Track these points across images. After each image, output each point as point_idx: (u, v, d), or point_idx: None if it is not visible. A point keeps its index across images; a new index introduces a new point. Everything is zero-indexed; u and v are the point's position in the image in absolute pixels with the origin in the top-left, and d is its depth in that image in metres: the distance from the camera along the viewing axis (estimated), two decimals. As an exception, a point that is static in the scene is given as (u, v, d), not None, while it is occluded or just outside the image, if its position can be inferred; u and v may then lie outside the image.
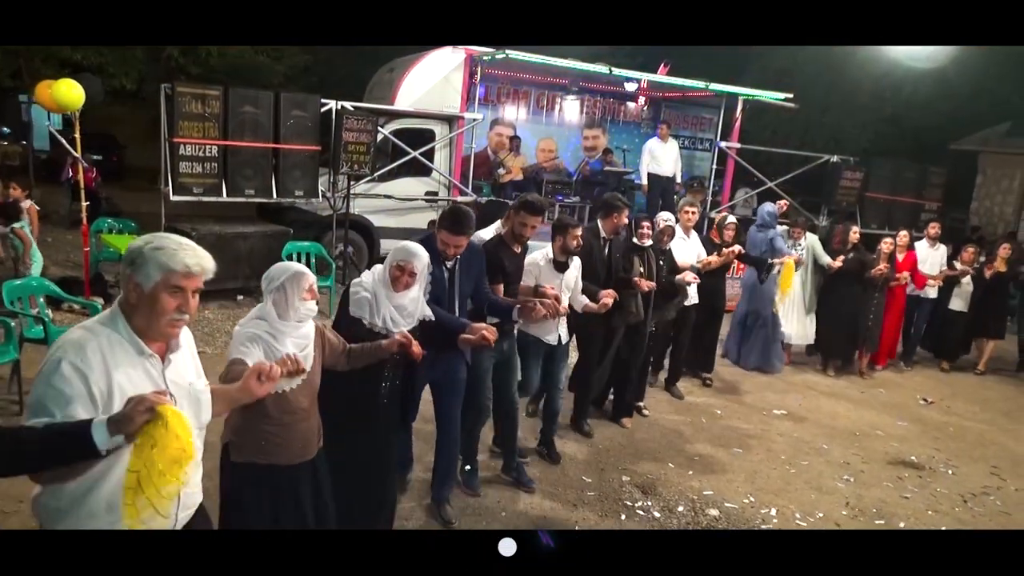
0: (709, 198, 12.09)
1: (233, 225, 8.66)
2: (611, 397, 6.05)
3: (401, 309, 3.36)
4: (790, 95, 11.85)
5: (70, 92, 6.65)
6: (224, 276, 8.22)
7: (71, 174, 12.88)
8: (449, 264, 3.92)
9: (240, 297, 8.42)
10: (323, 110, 8.82)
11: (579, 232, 4.73)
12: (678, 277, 5.98)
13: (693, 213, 6.54)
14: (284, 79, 16.21)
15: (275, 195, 8.57)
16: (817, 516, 4.77)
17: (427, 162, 9.92)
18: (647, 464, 5.27)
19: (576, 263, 4.88)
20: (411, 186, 9.98)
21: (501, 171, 11.20)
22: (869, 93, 17.52)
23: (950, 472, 5.72)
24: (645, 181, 10.67)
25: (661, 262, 5.85)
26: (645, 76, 10.91)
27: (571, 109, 12.43)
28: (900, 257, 7.90)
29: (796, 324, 7.88)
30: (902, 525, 4.77)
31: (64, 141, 7.61)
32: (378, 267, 3.47)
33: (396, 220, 9.92)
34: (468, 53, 9.92)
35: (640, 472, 5.12)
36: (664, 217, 5.97)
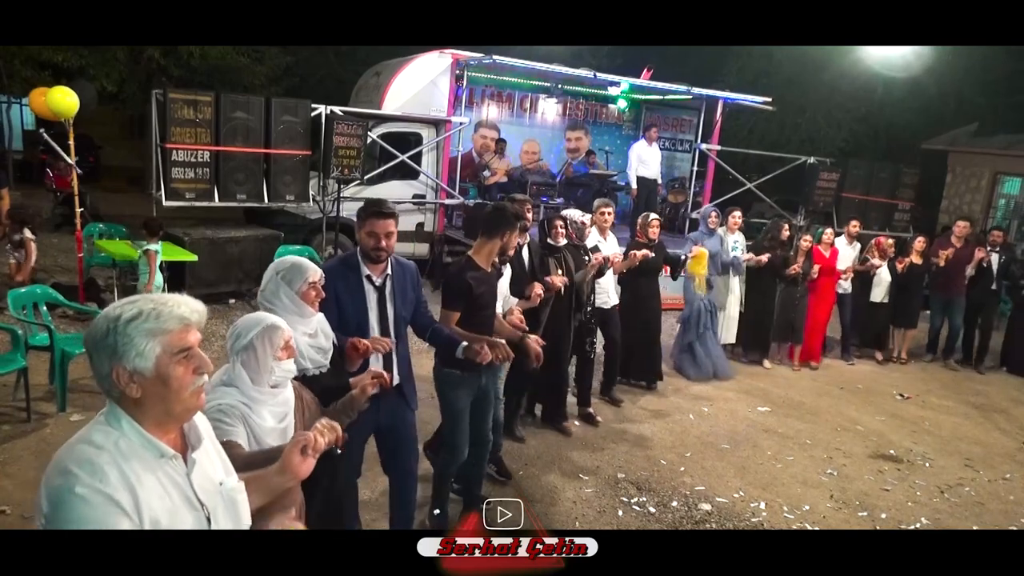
0: (690, 199, 12.36)
1: (225, 229, 8.73)
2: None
3: (316, 335, 2.89)
4: (768, 99, 12.14)
5: (64, 99, 6.70)
6: (217, 280, 8.32)
7: (52, 178, 12.84)
8: (377, 280, 3.36)
9: (232, 301, 8.50)
10: (313, 115, 8.91)
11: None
12: (590, 260, 5.76)
13: (609, 214, 6.38)
14: (265, 80, 16.17)
15: (266, 200, 8.66)
16: (804, 509, 5.00)
17: (415, 165, 10.05)
18: (641, 461, 5.46)
19: (507, 268, 4.65)
20: (399, 189, 10.09)
21: (486, 173, 11.35)
22: (844, 94, 17.91)
23: (927, 465, 5.99)
24: (635, 184, 10.86)
25: (586, 258, 5.74)
26: (628, 80, 11.11)
27: (554, 111, 12.63)
28: (827, 254, 8.16)
29: (731, 322, 7.87)
30: (884, 516, 5.01)
31: (52, 142, 7.65)
32: (263, 307, 2.82)
33: (384, 223, 10.00)
34: (455, 57, 10.05)
35: (634, 469, 5.32)
36: (576, 215, 5.82)
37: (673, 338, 7.90)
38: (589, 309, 5.92)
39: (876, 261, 8.47)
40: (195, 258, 7.75)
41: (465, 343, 3.57)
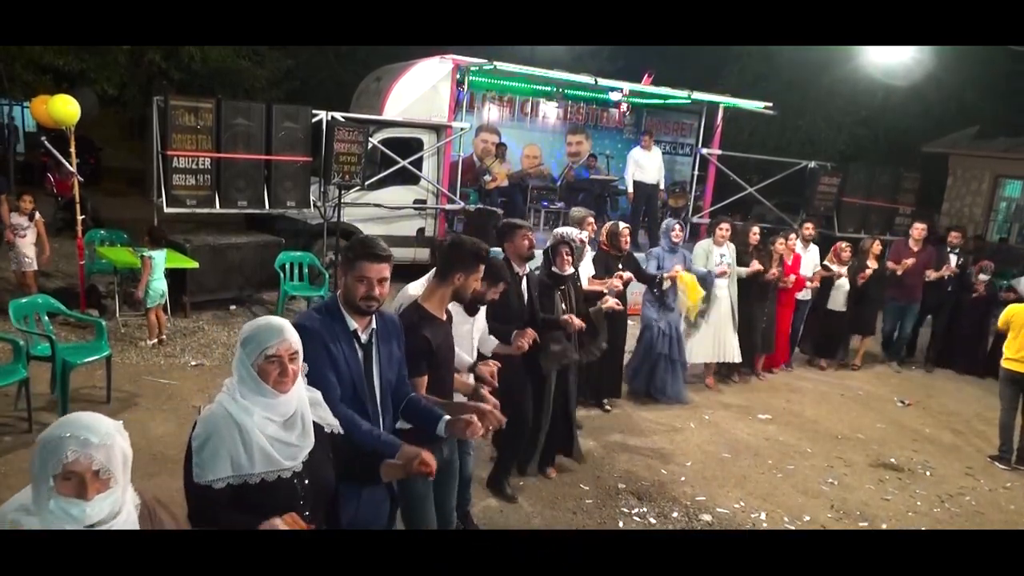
0: (691, 204, 12.37)
1: (226, 236, 8.75)
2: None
3: (291, 425, 2.19)
4: (769, 104, 12.14)
5: (66, 108, 6.72)
6: (218, 287, 8.33)
7: (54, 183, 12.86)
8: (364, 336, 2.75)
9: (233, 307, 8.51)
10: (313, 121, 8.92)
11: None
12: (602, 305, 5.36)
13: (591, 225, 5.98)
14: (266, 83, 16.17)
15: (267, 206, 8.66)
16: (804, 519, 5.00)
17: (415, 171, 10.05)
18: (641, 471, 5.46)
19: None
20: (400, 194, 10.11)
21: (487, 178, 11.36)
22: (845, 97, 17.91)
23: (928, 473, 5.99)
24: (631, 189, 10.88)
25: (577, 283, 5.23)
26: (629, 86, 11.11)
27: (555, 115, 12.64)
28: (789, 260, 7.86)
29: (714, 341, 7.24)
30: (884, 527, 5.01)
31: (53, 149, 7.68)
32: (228, 386, 2.20)
33: (385, 228, 10.02)
34: (455, 63, 10.06)
35: (635, 479, 5.32)
36: (574, 233, 5.20)
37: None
38: (605, 346, 5.44)
39: (837, 268, 8.29)
40: (196, 265, 7.76)
41: (447, 417, 2.80)
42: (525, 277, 4.59)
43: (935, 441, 6.73)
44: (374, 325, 2.78)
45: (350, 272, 2.68)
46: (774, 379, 8.05)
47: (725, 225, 7.29)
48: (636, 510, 4.90)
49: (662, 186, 11.42)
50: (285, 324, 2.22)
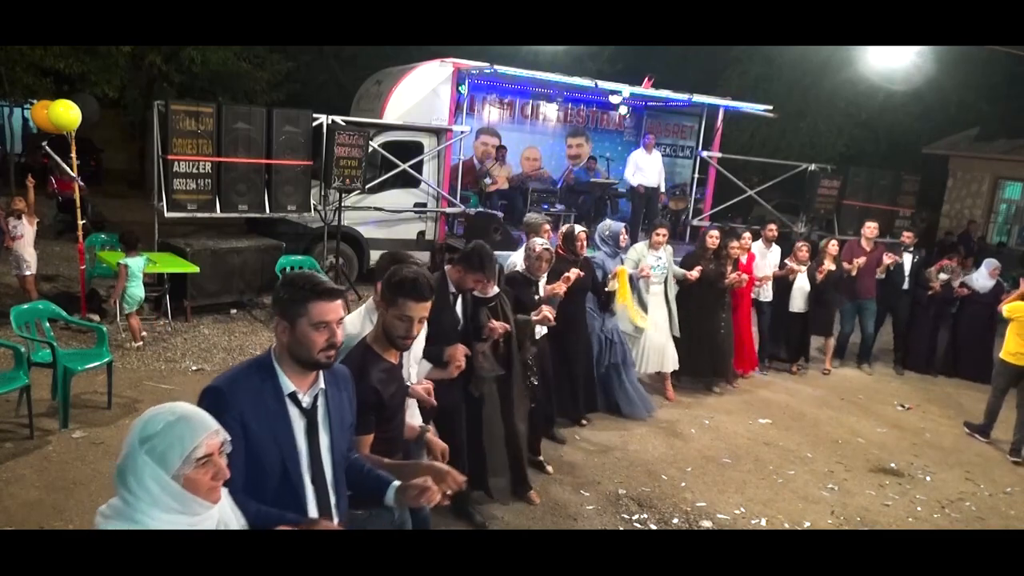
0: (692, 206, 12.38)
1: (227, 240, 8.76)
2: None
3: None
4: (770, 107, 12.15)
5: (67, 113, 6.73)
6: (218, 291, 8.33)
7: (55, 184, 12.88)
8: (306, 399, 2.17)
9: (234, 311, 8.52)
10: (314, 125, 8.93)
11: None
12: (534, 316, 4.90)
13: (547, 232, 5.82)
14: (266, 86, 16.22)
15: (268, 210, 8.68)
16: (805, 526, 5.00)
17: (416, 174, 10.06)
18: (642, 476, 5.47)
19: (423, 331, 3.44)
20: (400, 197, 10.13)
21: (487, 180, 11.37)
22: (845, 99, 17.92)
23: (928, 479, 5.99)
24: (635, 185, 10.88)
25: (536, 296, 5.09)
26: (629, 89, 11.11)
27: (555, 117, 12.65)
28: (743, 259, 7.68)
29: (655, 351, 6.89)
30: (884, 533, 5.02)
31: (55, 155, 7.68)
32: (118, 508, 1.63)
33: (385, 231, 10.05)
34: (456, 66, 10.07)
35: (635, 485, 5.32)
36: (539, 245, 5.08)
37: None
38: (533, 352, 5.12)
39: (795, 265, 8.10)
40: (197, 269, 7.77)
41: (397, 483, 2.31)
42: (460, 296, 4.25)
43: (935, 446, 6.73)
44: (321, 384, 2.21)
45: (298, 318, 2.11)
46: (773, 382, 8.06)
47: (663, 231, 6.87)
48: (637, 516, 4.90)
49: (662, 189, 11.43)
50: (200, 410, 1.73)
